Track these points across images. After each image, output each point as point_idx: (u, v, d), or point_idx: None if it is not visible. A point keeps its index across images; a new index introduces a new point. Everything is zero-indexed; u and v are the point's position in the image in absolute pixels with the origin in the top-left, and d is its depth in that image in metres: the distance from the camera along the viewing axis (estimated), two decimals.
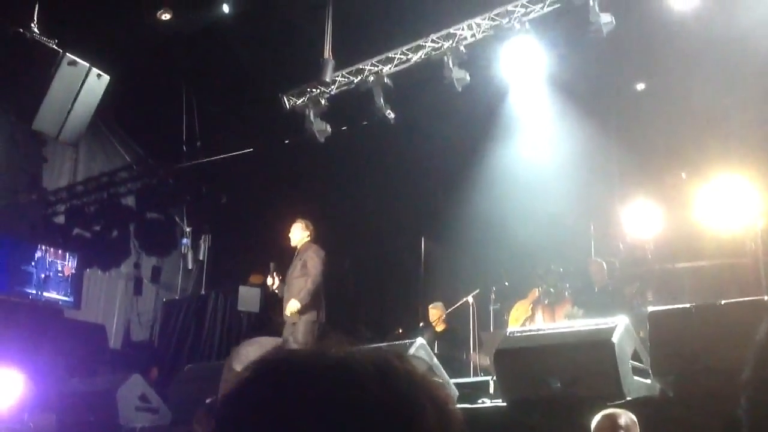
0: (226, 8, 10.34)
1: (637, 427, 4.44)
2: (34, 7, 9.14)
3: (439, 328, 10.87)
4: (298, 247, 9.21)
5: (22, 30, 9.08)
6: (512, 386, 6.56)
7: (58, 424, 8.52)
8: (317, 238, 9.31)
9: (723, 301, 5.96)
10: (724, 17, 10.22)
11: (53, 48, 9.16)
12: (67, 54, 9.18)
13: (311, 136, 12.03)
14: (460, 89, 10.75)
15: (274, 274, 9.13)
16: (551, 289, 10.42)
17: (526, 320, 10.27)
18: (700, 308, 6.10)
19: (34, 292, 12.17)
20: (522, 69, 12.26)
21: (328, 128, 11.93)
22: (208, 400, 1.74)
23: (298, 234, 9.22)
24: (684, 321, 6.05)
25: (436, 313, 10.88)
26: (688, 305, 6.28)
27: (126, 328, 13.30)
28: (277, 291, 9.17)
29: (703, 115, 10.65)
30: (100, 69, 9.43)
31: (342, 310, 11.77)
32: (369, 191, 12.86)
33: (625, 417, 4.44)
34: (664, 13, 10.62)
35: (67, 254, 12.67)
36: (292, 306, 8.65)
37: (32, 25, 9.18)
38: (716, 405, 5.18)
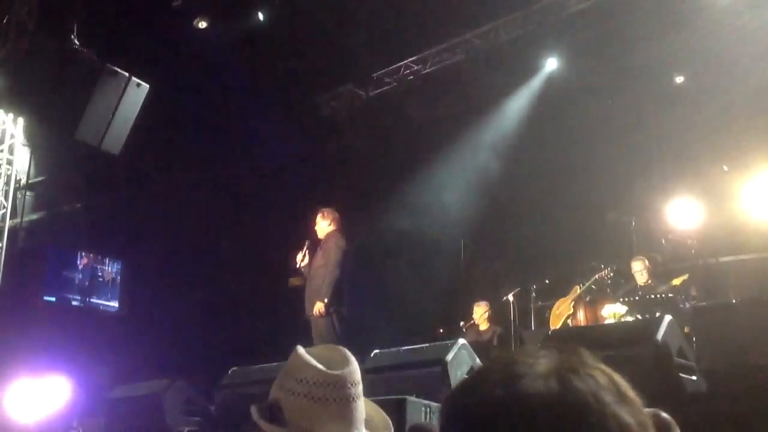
0: (261, 16, 10.42)
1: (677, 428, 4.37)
2: (74, 20, 9.30)
3: (483, 327, 10.85)
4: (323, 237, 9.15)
5: (62, 42, 9.25)
6: None
7: (106, 428, 8.65)
8: (342, 227, 9.17)
9: None
10: (765, 5, 10.09)
11: (93, 59, 9.32)
12: (107, 64, 9.32)
13: (350, 140, 12.10)
14: None
15: (307, 252, 9.05)
16: (593, 287, 10.34)
17: (568, 318, 10.20)
18: (745, 303, 6.04)
19: (78, 298, 12.44)
20: (559, 64, 12.25)
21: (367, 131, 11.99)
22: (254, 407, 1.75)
23: (321, 225, 9.13)
24: (729, 316, 5.99)
25: (480, 311, 10.86)
26: (732, 300, 6.22)
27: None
28: (302, 269, 9.11)
29: (744, 107, 10.49)
30: (139, 78, 9.56)
31: (382, 310, 11.80)
32: (407, 190, 12.87)
33: (663, 417, 4.38)
34: (704, 2, 10.51)
35: (107, 260, 12.91)
36: (318, 307, 8.61)
37: (72, 37, 9.35)
38: (764, 401, 5.12)
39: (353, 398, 1.97)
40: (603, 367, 0.99)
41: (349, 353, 2.07)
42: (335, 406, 1.95)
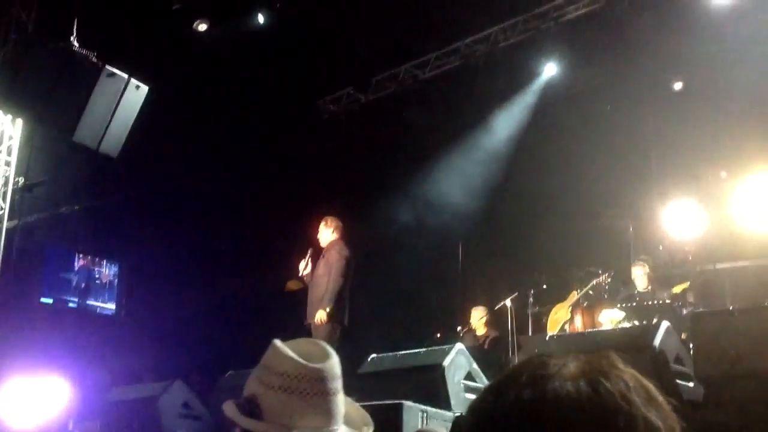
0: (261, 18, 10.43)
1: None
2: (74, 21, 9.29)
3: (480, 331, 10.84)
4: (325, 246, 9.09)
5: (62, 43, 9.23)
6: None
7: (103, 431, 8.63)
8: (345, 235, 9.11)
9: (766, 303, 5.89)
10: (762, 13, 10.10)
11: (93, 60, 9.30)
12: (106, 66, 9.31)
13: (349, 144, 12.10)
14: None
15: (309, 260, 8.97)
16: (590, 292, 10.34)
17: (565, 324, 10.20)
18: (743, 310, 6.03)
19: (75, 300, 12.45)
20: (558, 70, 12.27)
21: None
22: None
23: (325, 233, 9.05)
24: (726, 323, 5.98)
25: (478, 315, 10.84)
26: (730, 307, 6.22)
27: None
28: (304, 277, 9.04)
29: (742, 113, 10.50)
30: (138, 80, 9.54)
31: (380, 315, 11.79)
32: (407, 195, 12.87)
33: None
34: (702, 10, 10.53)
35: (105, 262, 12.92)
36: (320, 316, 8.58)
37: (71, 38, 9.33)
38: (760, 409, 5.12)
39: (333, 392, 1.95)
40: (632, 371, 0.99)
41: (329, 347, 2.04)
42: (315, 400, 1.92)
